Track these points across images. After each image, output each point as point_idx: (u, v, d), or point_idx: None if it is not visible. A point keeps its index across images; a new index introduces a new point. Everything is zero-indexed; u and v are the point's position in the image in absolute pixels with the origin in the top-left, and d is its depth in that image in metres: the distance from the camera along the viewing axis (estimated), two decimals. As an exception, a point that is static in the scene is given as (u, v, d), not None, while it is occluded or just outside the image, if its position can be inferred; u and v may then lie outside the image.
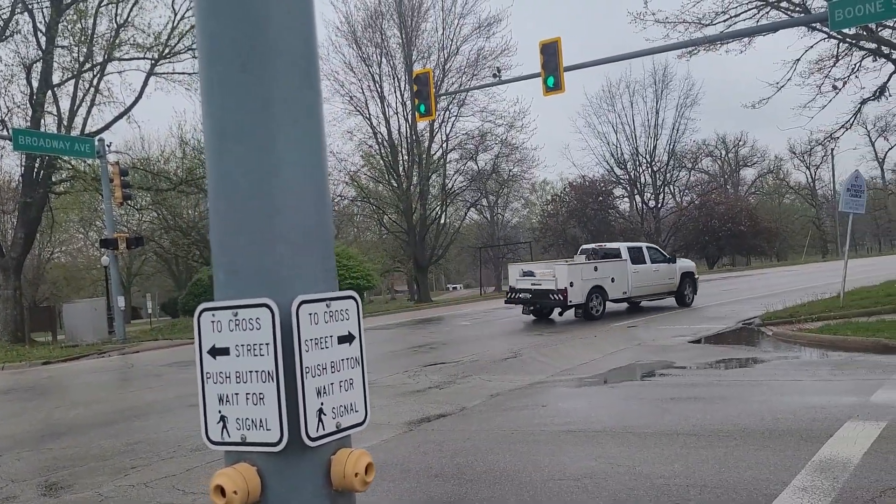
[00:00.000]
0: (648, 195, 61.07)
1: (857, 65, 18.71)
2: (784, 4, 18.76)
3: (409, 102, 39.38)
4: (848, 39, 18.27)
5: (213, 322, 1.51)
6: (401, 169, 42.31)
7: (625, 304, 20.97)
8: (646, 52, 17.99)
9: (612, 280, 19.11)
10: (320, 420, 1.48)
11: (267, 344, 1.45)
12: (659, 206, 61.08)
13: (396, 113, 42.04)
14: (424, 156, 42.53)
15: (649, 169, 60.64)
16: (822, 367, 9.10)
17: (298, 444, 1.44)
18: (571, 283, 18.29)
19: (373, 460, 1.53)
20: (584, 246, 23.33)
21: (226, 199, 1.50)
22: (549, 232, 60.00)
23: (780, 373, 8.83)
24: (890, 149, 73.30)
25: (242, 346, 1.48)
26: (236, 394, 1.49)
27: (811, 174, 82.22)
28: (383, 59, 41.43)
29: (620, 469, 5.24)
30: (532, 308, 19.54)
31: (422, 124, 40.96)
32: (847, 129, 19.74)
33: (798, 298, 17.43)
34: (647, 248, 21.42)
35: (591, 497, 4.70)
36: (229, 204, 1.50)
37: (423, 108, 18.44)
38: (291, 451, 1.45)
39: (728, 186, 74.03)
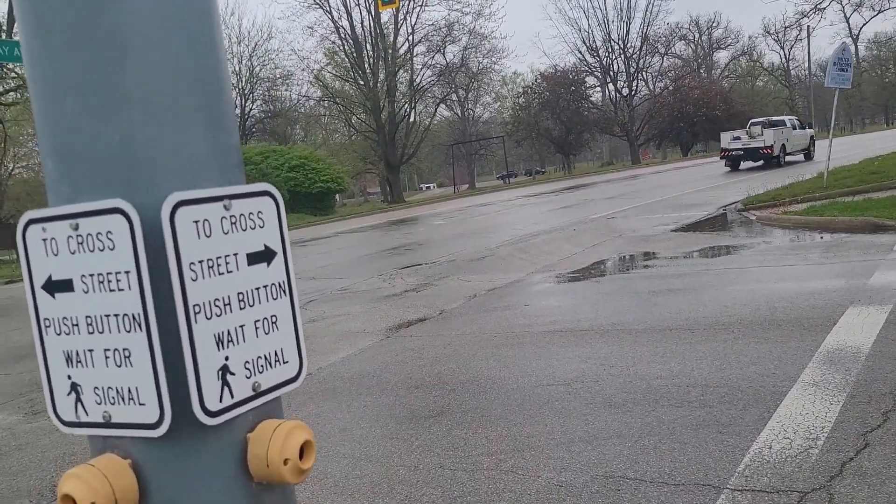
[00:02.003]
0: (621, 83, 59.92)
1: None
2: None
3: (370, -8, 37.38)
4: None
5: (45, 241, 0.96)
6: (366, 65, 40.70)
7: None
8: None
9: (787, 140, 27.47)
10: (225, 383, 0.96)
11: (126, 272, 0.90)
12: (633, 94, 60.01)
13: (358, 4, 40.03)
14: (390, 50, 40.87)
15: (622, 55, 59.21)
16: (812, 251, 8.79)
17: (191, 422, 0.92)
18: (774, 142, 26.67)
19: (312, 437, 1.01)
20: (755, 119, 30.83)
21: (41, 35, 0.92)
22: (522, 125, 58.99)
23: (770, 258, 8.51)
24: (864, 24, 72.26)
25: (91, 276, 0.93)
26: (90, 350, 0.96)
27: (785, 54, 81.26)
28: (341, -54, 38.98)
29: (613, 371, 4.89)
30: (737, 161, 27.69)
31: (385, 16, 39.14)
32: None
33: (778, 181, 17.12)
34: (796, 119, 30.69)
35: (584, 403, 4.34)
36: (47, 44, 0.91)
37: (385, -6, 17.22)
38: (181, 435, 0.93)
39: (702, 71, 72.82)
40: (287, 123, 49.93)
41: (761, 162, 27.49)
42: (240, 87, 42.60)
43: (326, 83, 43.66)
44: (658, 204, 17.68)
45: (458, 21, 42.21)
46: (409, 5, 39.60)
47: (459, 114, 63.49)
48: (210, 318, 0.94)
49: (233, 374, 0.97)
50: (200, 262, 0.94)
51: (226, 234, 0.98)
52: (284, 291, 1.07)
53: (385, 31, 40.94)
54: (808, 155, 29.84)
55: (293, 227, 28.30)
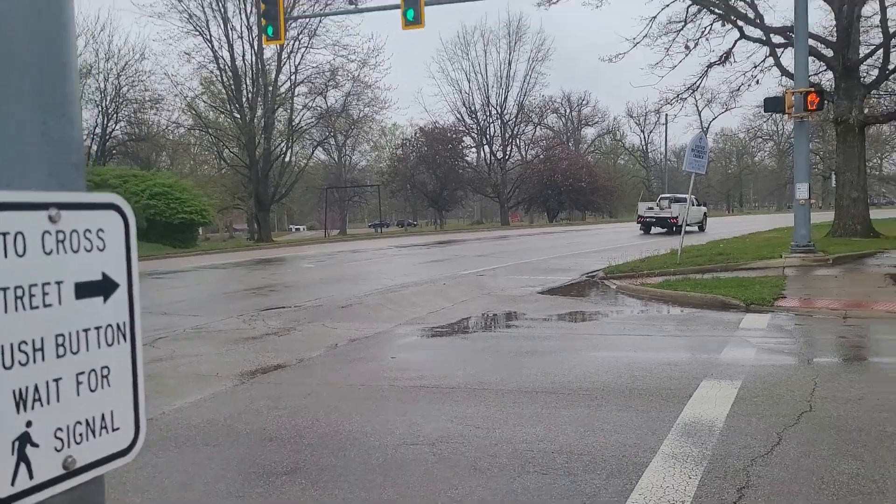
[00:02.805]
0: (496, 147, 62.14)
1: (708, 28, 19.45)
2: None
3: (255, 27, 36.76)
4: (699, 1, 18.93)
5: None
6: (244, 99, 39.70)
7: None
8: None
9: (688, 213, 32.60)
10: (22, 458, 0.70)
11: None
12: (506, 158, 62.34)
13: (241, 37, 39.27)
14: (271, 87, 40.21)
15: (499, 120, 61.57)
16: (668, 323, 9.21)
17: (-37, 515, 0.65)
18: (679, 213, 31.57)
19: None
20: (663, 195, 38.39)
21: None
22: (398, 176, 59.55)
23: (630, 328, 8.82)
24: (714, 118, 79.76)
25: None
26: None
27: (645, 137, 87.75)
28: (228, -24, 38.26)
29: (479, 432, 4.75)
30: (650, 227, 34.21)
31: (269, 53, 38.60)
32: (694, 91, 20.57)
33: (636, 253, 18.08)
34: (695, 197, 33.78)
35: (449, 466, 4.16)
36: None
37: (270, 29, 16.91)
38: (-55, 533, 0.66)
39: (570, 144, 77.00)
40: (153, 149, 47.53)
41: (665, 230, 33.82)
42: (103, 105, 40.27)
43: (199, 112, 42.17)
44: (525, 265, 18.15)
45: (342, 67, 42.25)
46: (294, 45, 39.29)
47: (336, 159, 63.20)
48: (9, 368, 0.69)
49: (35, 445, 0.71)
50: (4, 289, 0.68)
51: (48, 254, 0.73)
52: (124, 336, 0.82)
53: (267, 67, 40.29)
54: (702, 227, 36.00)
55: (148, 256, 26.64)
